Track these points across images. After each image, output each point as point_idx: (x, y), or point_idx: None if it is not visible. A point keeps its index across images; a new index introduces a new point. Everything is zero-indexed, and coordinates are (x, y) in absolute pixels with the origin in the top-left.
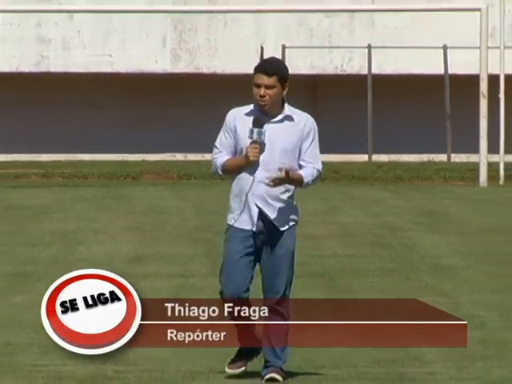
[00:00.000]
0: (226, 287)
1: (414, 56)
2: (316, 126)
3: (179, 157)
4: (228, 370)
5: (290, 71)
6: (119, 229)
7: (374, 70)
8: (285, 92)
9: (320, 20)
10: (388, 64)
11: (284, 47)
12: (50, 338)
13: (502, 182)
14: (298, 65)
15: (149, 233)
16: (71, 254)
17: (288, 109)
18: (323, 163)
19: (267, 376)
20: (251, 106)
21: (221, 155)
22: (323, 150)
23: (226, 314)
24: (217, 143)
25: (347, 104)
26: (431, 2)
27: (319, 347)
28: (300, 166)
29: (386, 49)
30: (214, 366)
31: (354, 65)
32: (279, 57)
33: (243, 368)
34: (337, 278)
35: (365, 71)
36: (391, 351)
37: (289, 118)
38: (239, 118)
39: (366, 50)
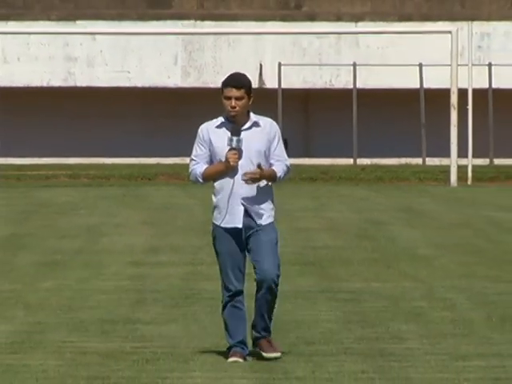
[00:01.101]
0: (224, 281)
1: (393, 72)
2: (278, 128)
3: (188, 161)
4: (232, 359)
5: (285, 86)
6: (137, 223)
7: (359, 85)
8: (250, 102)
9: (311, 41)
10: (371, 79)
11: (280, 64)
12: (77, 319)
13: (469, 182)
14: (292, 80)
15: (162, 226)
16: (95, 244)
17: (254, 116)
18: (315, 166)
19: (271, 356)
20: (220, 119)
21: (199, 165)
22: (315, 155)
23: (223, 307)
24: (193, 156)
25: (335, 114)
26: (408, 25)
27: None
28: (270, 165)
29: (369, 66)
30: (219, 343)
31: (341, 80)
32: (276, 73)
33: (241, 359)
34: (327, 266)
35: (350, 86)
36: (373, 329)
37: (256, 124)
38: (212, 131)
39: (352, 67)
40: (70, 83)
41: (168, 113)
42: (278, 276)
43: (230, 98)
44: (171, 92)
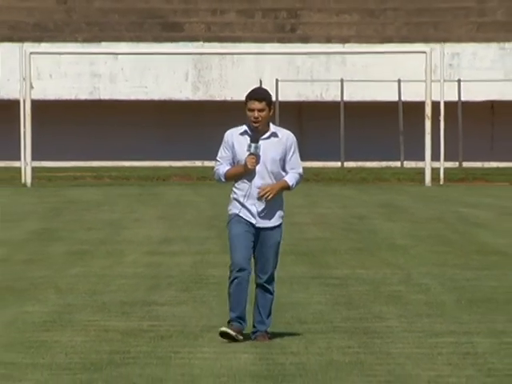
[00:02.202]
0: (234, 258)
1: (375, 87)
2: (295, 140)
3: (198, 164)
4: (224, 329)
5: (281, 99)
6: (152, 218)
7: (346, 98)
8: (271, 113)
9: (304, 60)
10: (356, 93)
11: (277, 80)
12: (100, 301)
13: (442, 182)
14: (288, 94)
15: (174, 221)
16: (117, 236)
17: (273, 127)
18: (307, 169)
19: (257, 340)
20: (244, 127)
21: (222, 166)
22: (308, 159)
23: (230, 282)
24: (218, 157)
25: (325, 124)
26: (388, 46)
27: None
28: (286, 172)
29: (354, 82)
30: (225, 322)
31: (330, 94)
32: (273, 88)
33: (235, 334)
34: (317, 255)
35: (338, 99)
36: (358, 310)
37: (274, 134)
38: (235, 137)
39: (339, 82)
40: (95, 96)
41: (180, 122)
42: (269, 281)
43: (253, 110)
44: (183, 104)
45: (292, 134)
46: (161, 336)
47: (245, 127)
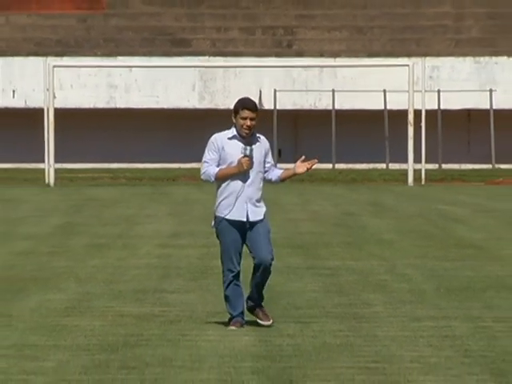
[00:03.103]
0: (228, 265)
1: (363, 97)
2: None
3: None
4: (232, 327)
5: (279, 108)
6: (163, 214)
7: (337, 107)
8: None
9: (299, 72)
10: (346, 102)
11: (275, 91)
12: (116, 289)
13: (423, 182)
14: (284, 103)
15: (182, 217)
16: (131, 231)
17: (255, 133)
18: None
19: (265, 323)
20: (232, 131)
21: (211, 167)
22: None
23: (226, 286)
24: (207, 159)
25: (318, 130)
26: (375, 60)
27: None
28: (265, 169)
29: (344, 92)
30: None
31: (323, 103)
32: (272, 97)
33: (240, 326)
34: (311, 248)
35: (330, 107)
36: (348, 297)
37: (257, 139)
38: (225, 141)
39: (331, 92)
40: (112, 105)
41: (187, 128)
42: (272, 259)
43: (245, 119)
44: (190, 112)
45: (266, 139)
46: (170, 320)
47: (233, 132)
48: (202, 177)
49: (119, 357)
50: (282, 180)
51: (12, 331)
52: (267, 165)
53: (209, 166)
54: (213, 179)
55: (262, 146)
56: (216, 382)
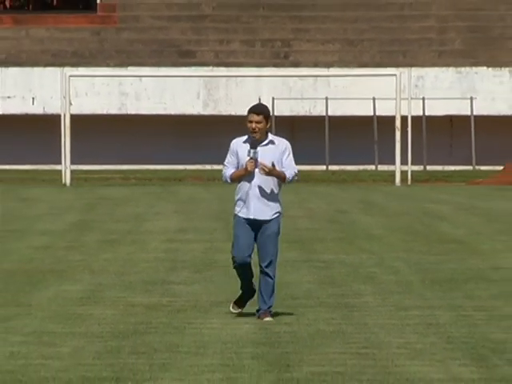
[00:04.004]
0: (236, 253)
1: (354, 104)
2: (289, 146)
3: (208, 167)
4: (232, 310)
5: (277, 114)
6: (170, 212)
7: (330, 113)
8: (268, 125)
9: (295, 81)
10: (338, 109)
11: (273, 98)
12: (127, 281)
13: (409, 182)
14: (282, 109)
15: (188, 214)
16: (140, 227)
17: (271, 136)
18: (299, 171)
19: (263, 319)
20: (246, 136)
21: (228, 170)
22: (298, 163)
23: (235, 269)
24: (225, 162)
25: (313, 134)
26: (365, 70)
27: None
28: (283, 169)
29: (337, 99)
30: (230, 298)
31: (317, 110)
32: (270, 105)
33: (240, 310)
34: (307, 243)
35: (324, 114)
36: (340, 288)
37: (271, 142)
38: (239, 145)
39: (325, 100)
40: (123, 112)
41: (193, 133)
42: (267, 266)
43: (251, 122)
44: (195, 118)
45: (286, 141)
46: (177, 310)
47: (246, 136)
48: (222, 179)
49: (130, 343)
50: (283, 180)
51: (31, 319)
52: (283, 168)
53: (226, 169)
54: (229, 181)
55: (276, 148)
56: (219, 367)
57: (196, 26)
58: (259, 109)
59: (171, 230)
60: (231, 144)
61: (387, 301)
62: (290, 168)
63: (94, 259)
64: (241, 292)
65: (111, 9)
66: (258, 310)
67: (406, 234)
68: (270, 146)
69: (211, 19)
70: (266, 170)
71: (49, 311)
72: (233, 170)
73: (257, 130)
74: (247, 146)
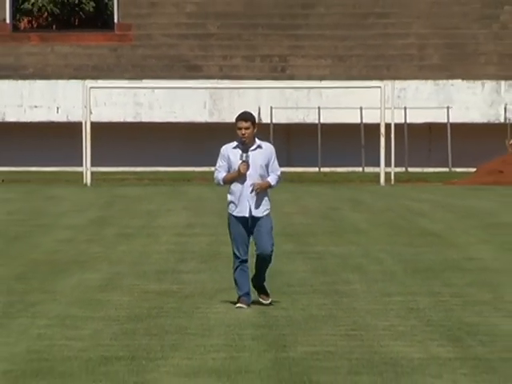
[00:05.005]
0: (236, 253)
1: (344, 113)
2: (274, 150)
3: (213, 169)
4: (239, 305)
5: (275, 122)
6: (180, 209)
7: (322, 121)
8: (255, 130)
9: (291, 92)
10: (330, 117)
11: (271, 108)
12: (141, 270)
13: (392, 182)
14: (279, 118)
15: (196, 210)
16: (153, 222)
17: (258, 141)
18: (294, 173)
19: (264, 302)
20: (235, 142)
21: (220, 173)
22: (294, 165)
23: (234, 268)
24: (216, 167)
25: (307, 140)
26: (353, 82)
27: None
28: (269, 174)
29: (328, 109)
30: (233, 286)
31: (310, 118)
32: (268, 114)
33: (246, 305)
34: (301, 236)
35: (316, 121)
36: (331, 277)
37: (259, 146)
38: (229, 150)
39: (317, 109)
40: (138, 119)
41: (200, 138)
42: (272, 251)
43: (241, 128)
44: (202, 125)
45: (272, 146)
46: (185, 296)
47: (236, 142)
48: (215, 181)
49: (143, 326)
50: (270, 187)
51: (56, 305)
52: (270, 170)
53: (218, 173)
54: (221, 183)
55: (264, 152)
56: (223, 347)
57: (202, 43)
58: (246, 116)
59: (180, 225)
60: (221, 150)
61: (373, 288)
62: (275, 170)
63: (111, 251)
64: (238, 294)
65: (127, 28)
66: (255, 287)
67: (389, 228)
68: (258, 150)
69: (216, 37)
70: (258, 188)
71: (71, 297)
72: (224, 174)
73: (246, 135)
74: (238, 150)
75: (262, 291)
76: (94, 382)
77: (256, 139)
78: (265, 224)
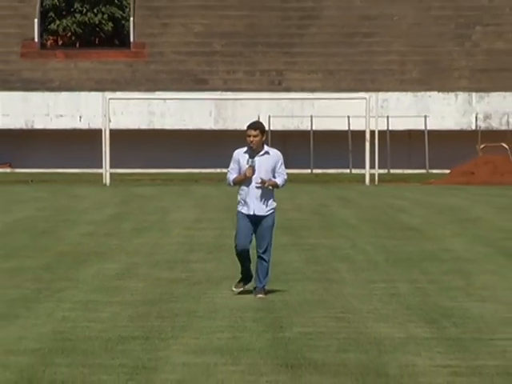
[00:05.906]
0: (238, 242)
1: (334, 121)
2: (282, 156)
3: (218, 170)
4: (234, 289)
5: (272, 129)
6: (189, 206)
7: (314, 128)
8: (264, 138)
9: (287, 103)
10: (321, 125)
11: (269, 116)
12: (154, 260)
13: (376, 183)
14: (276, 125)
15: (203, 207)
16: (165, 218)
17: (266, 147)
18: (290, 174)
19: (257, 296)
20: (245, 148)
21: (231, 175)
22: (289, 167)
23: (236, 256)
24: (229, 169)
25: (301, 145)
26: (342, 94)
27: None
28: (275, 177)
29: (319, 117)
30: (236, 274)
31: (304, 125)
32: (267, 122)
33: (242, 288)
34: (296, 230)
35: (309, 129)
36: (322, 266)
37: (267, 152)
38: (240, 154)
39: (310, 117)
40: (151, 127)
41: (206, 143)
42: (264, 252)
43: (249, 136)
44: (208, 132)
45: (279, 153)
46: (194, 282)
47: (246, 148)
48: (226, 182)
49: (156, 309)
50: (277, 187)
51: (78, 291)
52: (277, 174)
53: (230, 175)
54: (232, 184)
55: (270, 157)
56: (227, 328)
57: (208, 59)
58: (255, 125)
59: (189, 220)
60: (234, 154)
61: (359, 276)
62: (281, 175)
63: (128, 243)
64: (241, 276)
65: (142, 46)
66: (254, 288)
67: (374, 223)
68: (266, 155)
69: (220, 54)
70: (261, 184)
71: (92, 284)
72: (235, 175)
73: (254, 142)
74: (247, 155)
75: (259, 291)
76: (113, 359)
77: (265, 146)
78: (266, 223)
